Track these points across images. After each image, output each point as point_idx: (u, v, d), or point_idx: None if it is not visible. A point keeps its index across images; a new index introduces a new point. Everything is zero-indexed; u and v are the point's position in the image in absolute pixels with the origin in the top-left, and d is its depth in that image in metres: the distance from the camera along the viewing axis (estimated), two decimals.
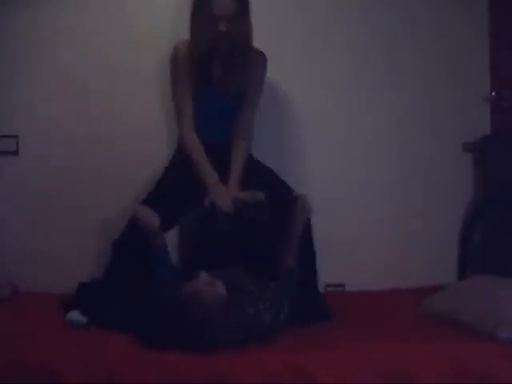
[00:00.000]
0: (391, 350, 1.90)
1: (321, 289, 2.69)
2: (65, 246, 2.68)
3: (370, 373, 1.77)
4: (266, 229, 2.34)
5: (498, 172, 2.83)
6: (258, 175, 2.46)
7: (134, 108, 2.76)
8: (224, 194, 2.33)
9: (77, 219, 2.71)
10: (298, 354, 1.86)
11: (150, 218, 2.20)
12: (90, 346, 1.87)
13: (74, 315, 2.14)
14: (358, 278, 2.78)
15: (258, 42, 2.56)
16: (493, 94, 2.94)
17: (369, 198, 2.91)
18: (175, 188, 2.38)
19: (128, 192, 2.73)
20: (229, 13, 2.33)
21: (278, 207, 2.32)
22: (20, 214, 2.69)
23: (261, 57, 2.51)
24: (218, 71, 2.45)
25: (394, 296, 2.66)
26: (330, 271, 2.60)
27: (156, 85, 2.75)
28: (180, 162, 2.47)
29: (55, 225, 2.70)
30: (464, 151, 2.99)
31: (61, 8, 2.71)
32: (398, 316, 2.37)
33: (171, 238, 2.54)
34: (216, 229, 2.31)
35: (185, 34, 2.68)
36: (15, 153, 2.70)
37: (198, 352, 1.80)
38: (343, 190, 2.88)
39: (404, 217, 2.93)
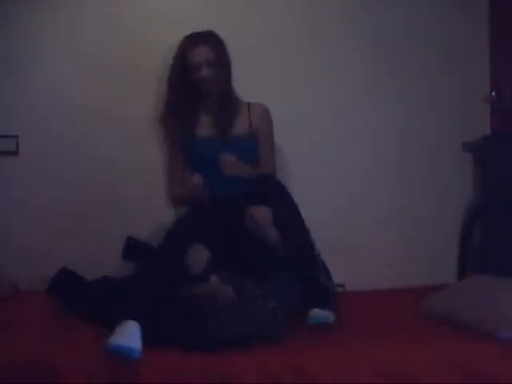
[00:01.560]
0: (391, 350, 1.90)
1: None
2: (65, 246, 2.67)
3: (370, 373, 1.77)
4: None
5: (498, 172, 2.83)
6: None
7: (135, 107, 2.76)
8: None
9: (77, 219, 2.71)
10: (298, 354, 1.86)
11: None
12: (90, 346, 1.87)
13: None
14: (358, 278, 2.78)
15: (258, 43, 2.58)
16: (493, 94, 2.94)
17: (369, 198, 2.91)
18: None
19: (129, 192, 2.73)
20: (208, 59, 2.47)
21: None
22: (20, 214, 2.69)
23: (260, 107, 2.62)
24: (205, 119, 2.57)
25: (394, 296, 2.66)
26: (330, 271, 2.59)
27: (156, 83, 2.75)
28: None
29: (55, 225, 2.70)
30: (464, 151, 2.99)
31: (60, 7, 2.71)
32: (398, 316, 2.37)
33: None
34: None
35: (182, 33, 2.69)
36: (15, 153, 2.69)
37: (200, 351, 1.80)
38: (343, 190, 2.88)
39: (404, 217, 2.93)
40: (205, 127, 2.58)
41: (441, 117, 2.97)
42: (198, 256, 2.16)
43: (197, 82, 2.51)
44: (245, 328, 1.91)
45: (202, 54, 2.49)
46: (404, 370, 1.78)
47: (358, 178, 2.90)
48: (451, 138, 2.97)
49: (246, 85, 2.66)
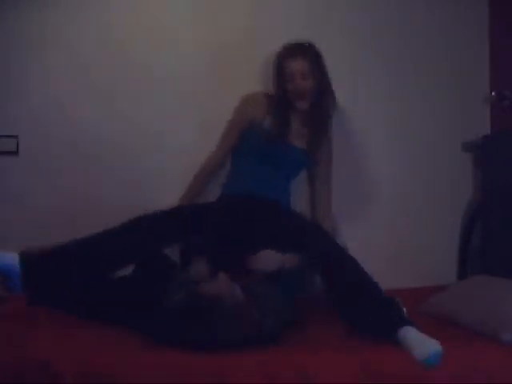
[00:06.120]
0: (391, 350, 1.90)
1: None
2: None
3: (370, 373, 1.77)
4: None
5: (498, 172, 2.83)
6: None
7: (135, 107, 2.76)
8: None
9: (77, 219, 2.70)
10: (298, 354, 1.86)
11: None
12: (89, 346, 1.87)
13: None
14: None
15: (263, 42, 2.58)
16: (493, 94, 2.94)
17: (369, 198, 2.91)
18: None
19: (129, 191, 2.73)
20: (302, 70, 2.47)
21: None
22: (20, 214, 2.68)
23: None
24: (295, 128, 2.58)
25: (394, 296, 2.65)
26: None
27: (156, 83, 2.76)
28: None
29: (55, 225, 2.69)
30: (464, 151, 2.99)
31: (60, 9, 2.71)
32: None
33: None
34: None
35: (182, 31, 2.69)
36: (15, 153, 2.69)
37: (203, 351, 1.80)
38: (343, 191, 2.87)
39: (404, 217, 2.93)
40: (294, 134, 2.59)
41: (441, 117, 2.97)
42: (198, 267, 2.17)
43: (290, 93, 2.50)
44: (246, 329, 1.91)
45: (297, 64, 2.48)
46: (404, 370, 1.78)
47: (357, 178, 2.90)
48: (451, 137, 2.98)
49: None
